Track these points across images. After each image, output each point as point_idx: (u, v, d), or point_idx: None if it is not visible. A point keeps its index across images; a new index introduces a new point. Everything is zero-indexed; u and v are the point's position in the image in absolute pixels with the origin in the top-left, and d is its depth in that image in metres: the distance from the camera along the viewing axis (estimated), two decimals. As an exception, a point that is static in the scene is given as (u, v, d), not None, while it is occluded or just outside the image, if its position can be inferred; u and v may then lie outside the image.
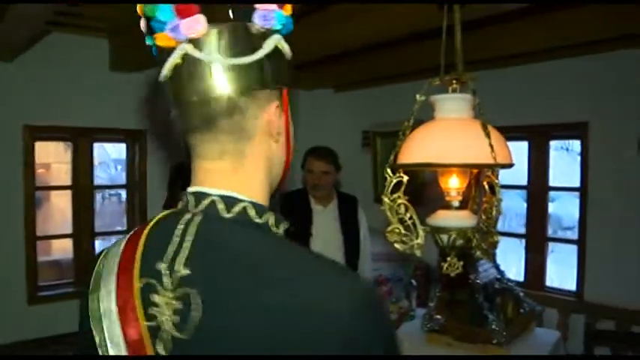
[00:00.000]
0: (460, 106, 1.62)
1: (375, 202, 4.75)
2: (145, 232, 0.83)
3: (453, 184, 1.65)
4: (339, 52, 3.76)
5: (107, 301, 0.81)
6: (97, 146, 4.44)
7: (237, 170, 0.84)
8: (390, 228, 1.59)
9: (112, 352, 0.79)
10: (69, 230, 4.28)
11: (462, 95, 1.63)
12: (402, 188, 1.58)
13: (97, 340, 0.80)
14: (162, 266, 0.79)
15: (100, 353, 0.80)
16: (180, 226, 0.80)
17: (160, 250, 0.80)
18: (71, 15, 3.46)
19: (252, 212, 0.82)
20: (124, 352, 0.79)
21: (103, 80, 4.13)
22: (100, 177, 5.61)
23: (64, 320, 3.15)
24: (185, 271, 0.77)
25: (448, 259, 1.62)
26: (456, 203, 1.65)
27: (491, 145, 1.48)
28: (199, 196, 0.83)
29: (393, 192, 1.59)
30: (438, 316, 2.83)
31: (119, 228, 5.23)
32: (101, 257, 0.87)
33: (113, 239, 5.28)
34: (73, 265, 4.29)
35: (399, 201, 1.58)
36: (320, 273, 0.78)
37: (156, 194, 4.25)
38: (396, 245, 1.61)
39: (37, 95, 3.84)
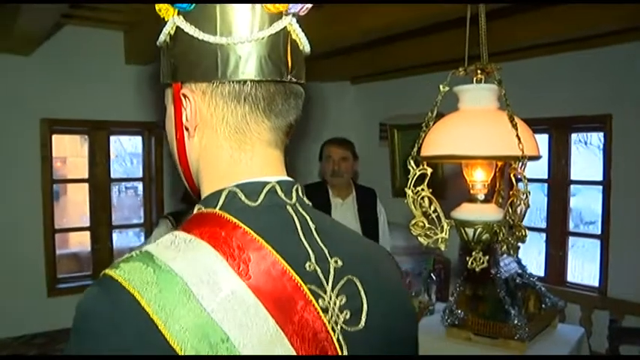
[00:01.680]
0: (485, 97, 1.58)
1: (393, 197, 4.71)
2: (258, 238, 0.68)
3: (479, 177, 1.61)
4: (356, 43, 3.72)
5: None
6: (113, 140, 4.44)
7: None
8: (413, 221, 1.56)
9: None
10: (86, 223, 4.30)
11: (488, 86, 1.59)
12: (426, 181, 1.54)
13: None
14: (314, 267, 0.70)
15: None
16: (297, 217, 0.73)
17: (294, 249, 0.70)
18: (87, 8, 3.46)
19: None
20: None
21: (118, 73, 4.13)
22: (117, 170, 5.61)
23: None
24: (337, 264, 0.72)
25: (473, 253, 1.59)
26: (481, 196, 1.62)
27: (518, 137, 1.44)
28: (287, 184, 0.75)
29: (416, 185, 1.55)
30: (459, 311, 2.79)
31: (136, 221, 5.23)
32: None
33: (130, 232, 5.32)
34: (91, 257, 4.31)
35: (423, 194, 1.54)
36: (379, 248, 0.88)
37: (172, 187, 4.26)
38: (420, 239, 1.58)
39: (53, 89, 3.84)
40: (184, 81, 0.74)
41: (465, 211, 1.58)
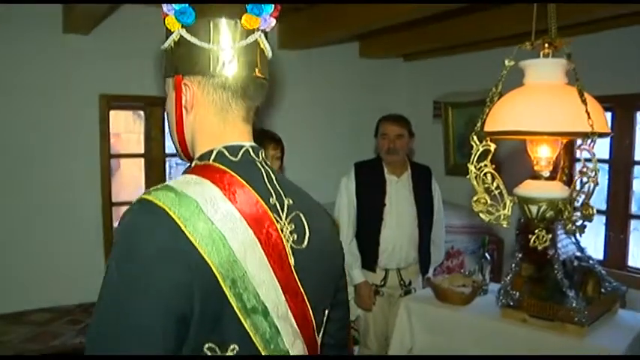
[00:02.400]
0: (553, 72, 1.53)
1: (447, 175, 4.65)
2: (241, 180, 1.01)
3: (544, 154, 1.57)
4: (410, 19, 3.65)
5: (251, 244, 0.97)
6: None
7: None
8: (475, 198, 1.54)
9: (261, 276, 0.97)
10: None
11: (557, 60, 1.54)
12: (489, 157, 1.51)
13: (234, 273, 0.93)
14: (274, 202, 1.04)
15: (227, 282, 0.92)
16: (263, 170, 1.08)
17: (262, 189, 1.03)
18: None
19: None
20: (272, 271, 0.98)
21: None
22: (169, 146, 5.72)
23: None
24: (290, 202, 1.07)
25: (536, 231, 1.56)
26: (545, 173, 1.57)
27: (587, 112, 1.39)
28: (255, 148, 1.10)
29: (478, 161, 1.53)
30: (514, 292, 2.75)
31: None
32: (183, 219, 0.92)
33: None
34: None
35: (486, 170, 1.52)
36: (316, 201, 1.22)
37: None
38: (482, 215, 1.56)
39: (111, 66, 3.92)
40: (185, 74, 1.06)
41: (529, 188, 1.55)
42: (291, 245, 1.02)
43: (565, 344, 2.47)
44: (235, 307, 0.92)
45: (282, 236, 1.01)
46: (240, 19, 1.04)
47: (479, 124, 1.57)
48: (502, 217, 1.53)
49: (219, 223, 0.92)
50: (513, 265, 2.86)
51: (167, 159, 4.52)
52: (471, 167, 1.52)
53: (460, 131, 4.75)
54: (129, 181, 5.67)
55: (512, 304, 2.75)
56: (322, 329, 1.14)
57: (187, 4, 1.02)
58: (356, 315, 3.37)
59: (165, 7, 1.03)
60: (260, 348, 0.95)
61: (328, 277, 1.15)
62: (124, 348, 0.85)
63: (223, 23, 1.03)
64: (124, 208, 0.96)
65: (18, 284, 3.56)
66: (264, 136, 2.63)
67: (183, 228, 0.89)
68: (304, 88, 4.80)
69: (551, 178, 1.59)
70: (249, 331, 0.94)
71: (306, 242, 1.06)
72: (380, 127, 3.29)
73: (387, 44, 4.84)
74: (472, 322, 2.84)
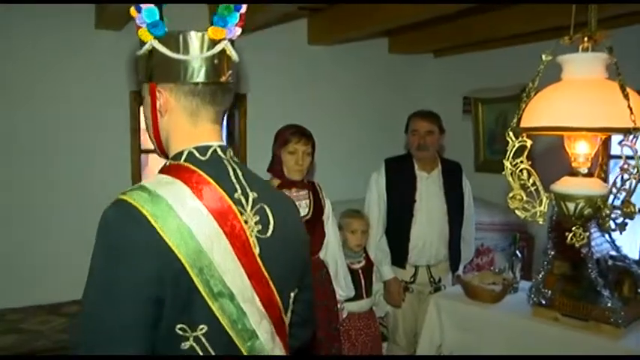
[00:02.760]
0: (593, 66, 1.50)
1: (477, 171, 4.61)
2: (207, 178, 1.12)
3: (582, 150, 1.54)
4: (439, 14, 3.62)
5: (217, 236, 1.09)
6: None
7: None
8: (511, 194, 1.53)
9: (226, 264, 1.08)
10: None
11: (597, 54, 1.51)
12: (525, 153, 1.49)
13: (202, 262, 1.05)
14: (239, 196, 1.15)
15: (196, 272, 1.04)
16: (230, 167, 1.17)
17: (228, 185, 1.14)
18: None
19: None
20: (237, 259, 1.10)
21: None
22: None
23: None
24: (254, 195, 1.17)
25: (573, 229, 1.53)
26: (583, 170, 1.55)
27: (630, 108, 1.36)
28: (223, 147, 1.20)
29: (514, 157, 1.51)
30: (546, 290, 2.71)
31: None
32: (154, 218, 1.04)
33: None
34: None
35: (522, 166, 1.50)
36: (285, 195, 1.48)
37: (255, 157, 4.33)
38: (517, 212, 1.54)
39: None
40: (158, 82, 1.17)
41: (567, 185, 1.52)
42: (256, 235, 1.14)
43: (599, 345, 2.42)
44: (203, 292, 1.04)
45: (247, 227, 1.12)
46: (207, 31, 1.14)
47: (515, 120, 1.55)
48: (538, 213, 1.51)
49: (186, 218, 1.04)
50: (545, 262, 2.82)
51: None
52: (507, 163, 1.51)
53: (490, 127, 4.70)
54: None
55: (543, 302, 2.71)
56: (289, 310, 1.26)
57: (159, 19, 1.12)
58: (385, 311, 3.36)
59: (138, 19, 1.12)
60: (227, 328, 1.08)
61: (293, 263, 1.26)
62: (110, 325, 0.99)
63: (192, 35, 1.13)
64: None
65: (54, 277, 3.63)
66: (295, 132, 2.64)
67: (154, 224, 1.01)
68: (334, 84, 4.80)
69: (589, 174, 1.56)
70: (216, 313, 1.06)
71: (270, 231, 1.18)
72: (410, 123, 3.27)
73: (416, 40, 4.81)
74: (502, 320, 2.81)
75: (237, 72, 1.23)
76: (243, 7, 1.17)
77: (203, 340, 1.06)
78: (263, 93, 4.44)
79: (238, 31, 1.17)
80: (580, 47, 1.55)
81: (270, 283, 1.15)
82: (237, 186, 1.15)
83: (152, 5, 1.11)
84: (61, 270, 3.58)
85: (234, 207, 1.11)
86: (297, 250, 1.29)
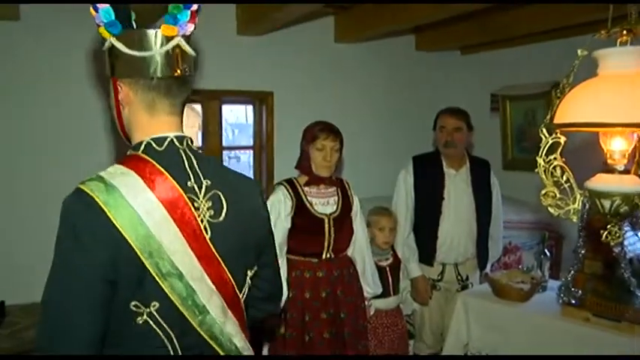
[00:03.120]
0: (632, 60, 1.47)
1: (504, 169, 4.57)
2: (161, 169, 1.23)
3: (618, 146, 1.51)
4: (467, 11, 3.59)
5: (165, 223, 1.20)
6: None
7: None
8: (544, 191, 1.51)
9: (174, 245, 1.20)
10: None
11: (637, 47, 1.48)
12: (559, 149, 1.47)
13: (151, 247, 1.17)
14: (192, 184, 1.26)
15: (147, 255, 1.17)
16: (185, 156, 1.28)
17: (181, 175, 1.25)
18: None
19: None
20: (186, 243, 1.22)
21: (230, 43, 4.25)
22: (226, 139, 5.80)
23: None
24: (208, 183, 1.28)
25: (609, 226, 1.51)
26: (619, 167, 1.52)
27: (669, 104, 1.34)
28: (180, 137, 1.30)
29: (547, 154, 1.49)
30: (576, 289, 2.68)
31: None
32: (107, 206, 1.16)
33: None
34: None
35: (555, 163, 1.48)
36: (249, 180, 1.47)
37: (282, 154, 4.36)
38: (550, 209, 1.52)
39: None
40: (119, 77, 1.27)
41: (602, 182, 1.49)
42: (208, 220, 1.26)
43: (633, 347, 2.38)
44: (153, 273, 1.17)
45: (197, 214, 1.24)
46: (160, 28, 1.24)
47: (548, 116, 1.53)
48: (572, 211, 1.49)
49: (138, 207, 1.16)
50: (576, 261, 2.78)
51: (224, 152, 4.59)
52: (540, 160, 1.49)
53: (518, 125, 4.65)
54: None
55: (574, 302, 2.67)
56: (246, 286, 1.39)
57: (115, 18, 1.22)
58: (412, 309, 3.35)
59: (96, 18, 1.22)
60: (177, 304, 1.20)
61: (248, 244, 1.37)
62: (67, 303, 1.13)
63: (146, 33, 1.23)
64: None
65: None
66: (323, 128, 2.64)
67: (107, 212, 1.14)
68: (360, 81, 4.80)
69: (625, 172, 1.53)
70: (166, 290, 1.18)
71: (223, 216, 1.29)
72: (438, 120, 3.25)
73: (443, 37, 4.78)
74: (530, 319, 2.78)
75: (195, 64, 1.32)
76: (194, 6, 1.26)
77: (156, 315, 1.19)
78: (289, 91, 4.46)
79: (191, 27, 1.27)
80: (618, 41, 1.52)
81: (222, 263, 1.27)
82: (191, 175, 1.26)
83: (107, 5, 1.21)
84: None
85: (184, 196, 1.23)
86: (253, 230, 1.39)
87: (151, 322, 1.19)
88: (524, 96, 4.50)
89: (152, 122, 1.28)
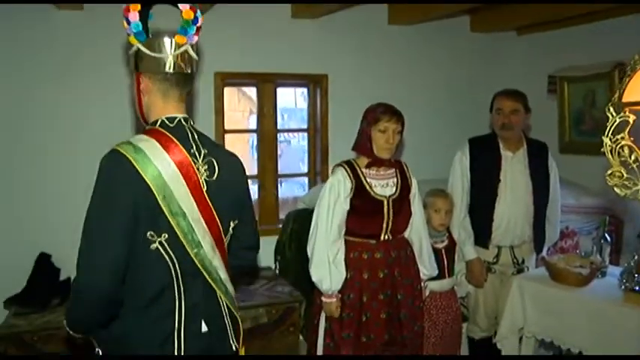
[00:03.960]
0: None
1: (561, 153, 4.47)
2: (173, 138, 1.62)
3: (690, 127, 1.48)
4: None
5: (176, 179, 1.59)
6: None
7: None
8: (610, 171, 1.49)
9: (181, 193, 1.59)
10: (254, 172, 4.55)
11: None
12: (628, 129, 1.45)
13: (163, 193, 1.55)
14: (194, 152, 1.65)
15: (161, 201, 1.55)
16: (189, 132, 1.68)
17: (187, 144, 1.64)
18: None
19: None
20: (189, 192, 1.60)
21: (285, 27, 4.30)
22: (280, 122, 5.85)
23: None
24: (205, 150, 1.68)
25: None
26: (690, 149, 1.48)
27: None
28: (186, 118, 1.72)
29: (614, 133, 1.47)
30: (639, 275, 2.62)
31: (297, 171, 5.56)
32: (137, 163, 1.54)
33: (294, 181, 5.57)
34: (258, 204, 4.54)
35: (623, 142, 1.45)
36: (233, 155, 1.86)
37: (336, 135, 4.39)
38: (616, 190, 1.50)
39: (226, 44, 4.08)
40: (142, 72, 1.68)
41: (674, 162, 1.46)
42: (205, 178, 1.64)
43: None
44: (166, 211, 1.55)
45: (198, 172, 1.63)
46: (174, 37, 1.65)
47: (616, 95, 1.51)
48: (640, 191, 1.46)
49: (157, 164, 1.55)
50: (638, 247, 2.72)
51: (278, 134, 4.64)
52: (606, 140, 1.47)
53: (577, 107, 4.52)
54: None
55: (637, 288, 2.63)
56: (229, 233, 1.77)
57: (142, 29, 1.62)
58: (466, 292, 3.34)
59: (128, 30, 1.61)
60: (181, 237, 1.58)
61: (232, 200, 1.76)
62: (102, 228, 1.50)
63: (165, 40, 1.64)
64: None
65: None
66: (386, 110, 2.64)
67: (136, 166, 1.52)
68: (414, 64, 4.77)
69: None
70: (173, 225, 1.56)
71: (215, 177, 1.67)
72: (495, 103, 3.21)
73: (499, 18, 4.68)
74: (589, 304, 2.73)
75: (197, 66, 1.75)
76: (200, 21, 1.67)
77: (165, 244, 1.57)
78: (343, 73, 4.48)
79: (195, 38, 1.69)
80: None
81: (213, 210, 1.65)
82: (194, 145, 1.66)
83: (137, 20, 1.61)
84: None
85: (190, 158, 1.62)
86: (236, 191, 1.79)
87: (161, 249, 1.57)
88: (583, 77, 4.38)
89: (165, 106, 1.69)
